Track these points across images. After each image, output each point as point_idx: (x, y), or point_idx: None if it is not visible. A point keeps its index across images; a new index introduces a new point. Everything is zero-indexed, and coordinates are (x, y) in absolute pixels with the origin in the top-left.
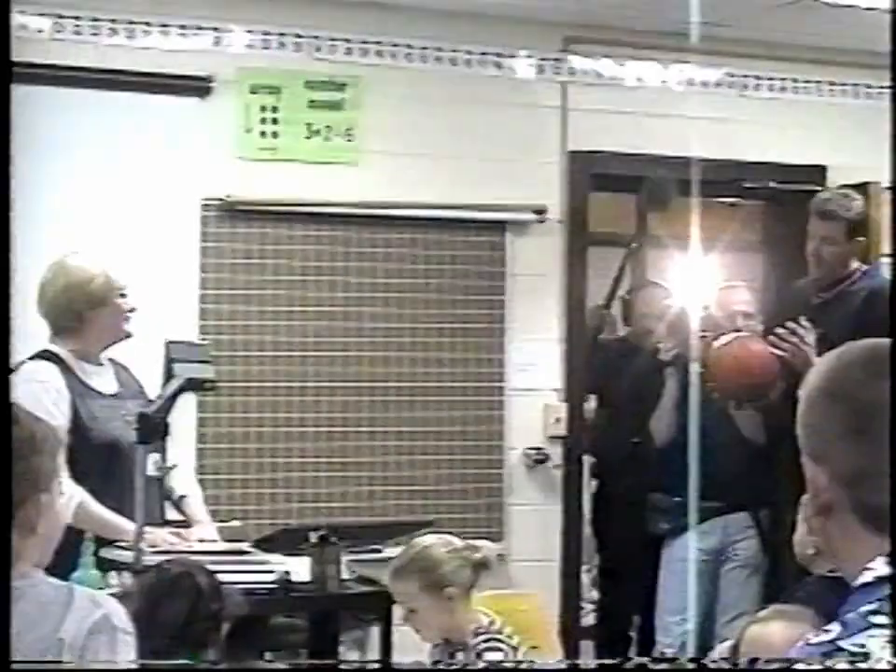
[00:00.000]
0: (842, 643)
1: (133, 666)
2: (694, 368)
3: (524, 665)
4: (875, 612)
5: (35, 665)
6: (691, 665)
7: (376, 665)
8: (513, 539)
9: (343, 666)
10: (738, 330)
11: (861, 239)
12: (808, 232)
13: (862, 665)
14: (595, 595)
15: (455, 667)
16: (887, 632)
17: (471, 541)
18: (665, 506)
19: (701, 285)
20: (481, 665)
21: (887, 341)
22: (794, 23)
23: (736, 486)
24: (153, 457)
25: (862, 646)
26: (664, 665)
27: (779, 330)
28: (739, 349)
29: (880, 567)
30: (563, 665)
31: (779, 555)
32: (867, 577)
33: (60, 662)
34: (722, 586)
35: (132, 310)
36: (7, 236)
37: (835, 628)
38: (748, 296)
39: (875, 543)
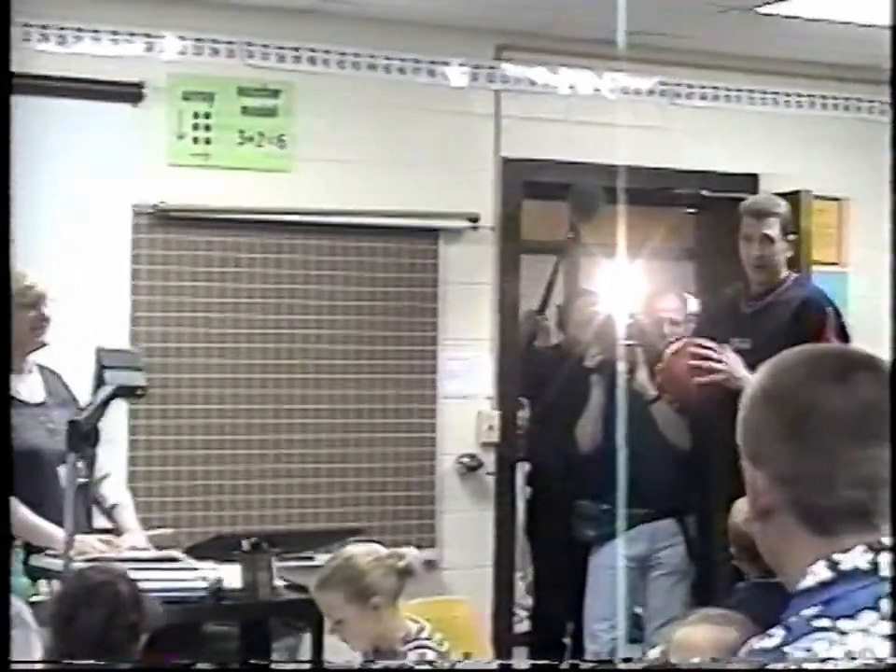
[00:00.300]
0: (788, 648)
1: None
2: (621, 374)
3: (458, 666)
4: (818, 616)
5: (35, 665)
6: (623, 666)
7: (307, 667)
8: (447, 547)
9: (274, 666)
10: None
11: (794, 236)
12: (745, 237)
13: (810, 666)
14: (530, 601)
15: (383, 667)
16: (831, 635)
17: (396, 549)
18: (591, 513)
19: (629, 292)
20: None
21: (823, 346)
22: (727, 33)
23: (663, 493)
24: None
25: (809, 650)
26: (598, 666)
27: (693, 350)
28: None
29: (821, 572)
30: (494, 666)
31: (707, 562)
32: (809, 581)
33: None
34: (650, 593)
35: (45, 319)
36: (6, 236)
37: (779, 633)
38: (675, 303)
39: (815, 546)
